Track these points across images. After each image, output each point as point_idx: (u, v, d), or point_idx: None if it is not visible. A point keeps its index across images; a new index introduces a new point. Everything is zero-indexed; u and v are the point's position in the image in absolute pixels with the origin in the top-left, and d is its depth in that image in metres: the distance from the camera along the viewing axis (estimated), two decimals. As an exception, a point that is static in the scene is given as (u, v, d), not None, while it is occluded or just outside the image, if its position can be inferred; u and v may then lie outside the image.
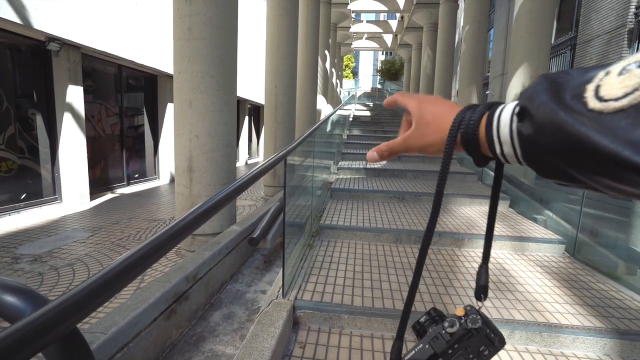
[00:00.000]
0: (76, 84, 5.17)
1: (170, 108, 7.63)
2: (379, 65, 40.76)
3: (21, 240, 3.70)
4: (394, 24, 20.45)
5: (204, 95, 3.11)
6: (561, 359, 1.59)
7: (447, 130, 0.35)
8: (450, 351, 0.39)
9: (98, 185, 6.08)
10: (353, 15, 18.40)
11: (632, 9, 5.61)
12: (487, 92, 11.70)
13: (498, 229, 2.83)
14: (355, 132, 8.42)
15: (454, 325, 0.40)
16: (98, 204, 5.52)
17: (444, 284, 2.05)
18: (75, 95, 5.17)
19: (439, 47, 11.66)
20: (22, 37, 4.52)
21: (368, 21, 21.22)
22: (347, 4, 15.32)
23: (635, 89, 0.21)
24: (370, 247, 2.63)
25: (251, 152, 13.04)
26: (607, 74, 0.23)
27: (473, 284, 2.06)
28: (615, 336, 1.62)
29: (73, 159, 5.23)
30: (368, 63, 59.52)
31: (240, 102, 11.04)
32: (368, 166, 4.97)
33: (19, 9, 4.07)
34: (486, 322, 0.40)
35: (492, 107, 0.32)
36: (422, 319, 0.43)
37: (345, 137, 7.41)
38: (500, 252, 2.61)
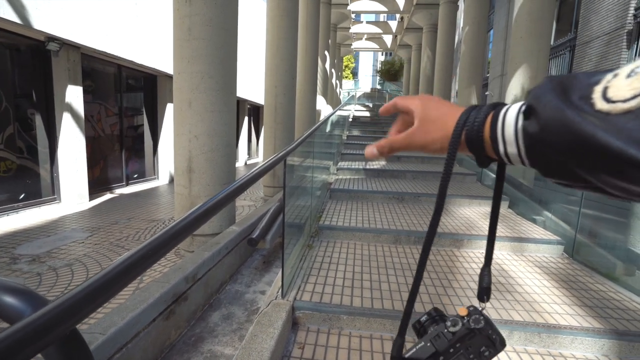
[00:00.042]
0: (76, 84, 5.17)
1: (169, 108, 7.63)
2: (379, 65, 40.79)
3: (20, 241, 3.69)
4: (393, 24, 20.48)
5: (203, 96, 3.11)
6: (560, 360, 1.59)
7: (450, 128, 0.35)
8: (451, 350, 0.39)
9: (97, 185, 6.07)
10: (353, 16, 18.41)
11: (631, 11, 5.63)
12: (486, 93, 11.72)
13: (497, 230, 2.83)
14: (355, 132, 8.43)
15: (456, 325, 0.40)
16: (97, 204, 5.51)
17: (443, 284, 2.05)
18: (74, 95, 5.17)
19: (439, 48, 11.67)
20: (22, 37, 4.52)
21: (368, 22, 21.23)
22: (347, 4, 15.34)
23: None
24: (370, 247, 2.63)
25: (250, 153, 13.03)
26: (615, 76, 0.23)
27: (472, 285, 2.07)
28: (614, 337, 1.63)
29: (72, 159, 5.22)
30: (368, 64, 59.60)
31: (240, 102, 11.04)
32: (367, 167, 4.97)
33: (19, 9, 4.07)
34: (488, 322, 0.40)
35: (497, 107, 0.32)
36: (423, 319, 0.44)
37: (345, 138, 7.42)
38: (499, 252, 2.61)
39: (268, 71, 5.93)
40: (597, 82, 0.24)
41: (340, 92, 24.91)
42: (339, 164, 5.12)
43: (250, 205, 5.67)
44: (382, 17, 32.49)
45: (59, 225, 4.32)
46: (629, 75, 0.22)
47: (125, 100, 6.80)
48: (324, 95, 12.76)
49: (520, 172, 4.11)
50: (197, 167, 3.17)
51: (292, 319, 1.75)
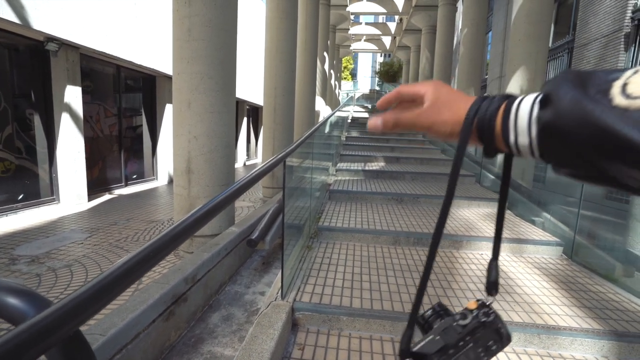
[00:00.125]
0: (74, 84, 5.16)
1: (168, 109, 7.62)
2: (378, 67, 40.88)
3: (19, 241, 3.68)
4: (392, 26, 20.53)
5: (203, 97, 3.11)
6: (559, 361, 1.60)
7: (462, 113, 0.35)
8: (461, 343, 0.38)
9: (96, 186, 6.06)
10: (352, 17, 18.46)
11: (629, 13, 5.66)
12: (484, 95, 11.75)
13: (496, 231, 2.84)
14: (354, 133, 8.44)
15: (466, 318, 0.39)
16: (96, 204, 5.49)
17: (442, 285, 2.06)
18: (73, 95, 5.16)
19: (437, 50, 11.71)
20: (21, 37, 4.51)
21: (367, 23, 21.29)
22: (346, 6, 15.37)
23: None
24: (369, 248, 2.63)
25: (250, 154, 13.03)
26: (636, 72, 0.24)
27: (472, 286, 2.07)
28: (613, 338, 1.63)
29: (71, 160, 5.21)
30: (366, 65, 59.73)
31: (239, 103, 11.03)
32: (366, 168, 4.98)
33: (18, 9, 4.06)
34: (497, 316, 0.40)
35: (510, 97, 0.33)
36: (427, 313, 0.43)
37: (344, 139, 7.43)
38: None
39: (267, 72, 5.94)
40: (615, 78, 0.25)
41: (339, 93, 24.94)
42: (338, 165, 5.13)
43: (249, 206, 5.67)
44: (381, 19, 32.57)
45: (57, 226, 4.30)
46: None
47: (124, 100, 6.79)
48: (323, 96, 12.77)
49: (519, 173, 4.13)
50: (196, 168, 3.17)
51: (291, 320, 1.75)
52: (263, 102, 6.12)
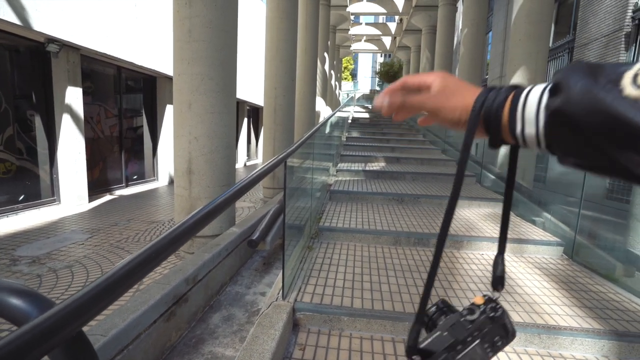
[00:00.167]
0: (75, 85, 5.17)
1: (169, 109, 7.63)
2: (378, 67, 40.88)
3: (19, 242, 3.69)
4: (392, 26, 20.53)
5: (203, 97, 3.12)
6: (560, 361, 1.60)
7: (470, 102, 0.35)
8: (469, 339, 0.38)
9: (97, 186, 6.07)
10: (352, 17, 18.47)
11: (629, 13, 5.66)
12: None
13: (496, 232, 2.83)
14: (354, 134, 8.44)
15: (473, 313, 0.39)
16: (97, 205, 5.50)
17: (443, 286, 2.06)
18: (74, 96, 5.17)
19: (438, 50, 11.71)
20: (22, 38, 4.52)
21: (367, 23, 21.30)
22: (346, 6, 15.38)
23: None
24: (370, 249, 2.64)
25: (250, 154, 13.03)
26: None
27: (472, 286, 2.07)
28: (614, 338, 1.63)
29: (72, 161, 5.22)
30: (367, 65, 59.73)
31: (240, 103, 11.05)
32: (367, 168, 4.98)
33: (19, 10, 4.07)
34: (504, 311, 0.40)
35: (518, 88, 0.33)
36: (431, 310, 0.43)
37: (344, 139, 7.43)
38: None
39: (267, 73, 5.95)
40: (626, 70, 0.25)
41: (339, 93, 24.95)
42: (339, 165, 5.13)
43: (250, 207, 5.67)
44: (381, 19, 32.57)
45: (58, 226, 4.31)
46: None
47: (124, 101, 6.80)
48: (323, 96, 12.78)
49: (519, 173, 4.12)
50: (197, 169, 3.18)
51: (292, 321, 1.75)
52: (263, 103, 6.12)
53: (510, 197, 0.40)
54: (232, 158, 3.45)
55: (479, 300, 0.40)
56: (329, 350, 1.59)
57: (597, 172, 0.28)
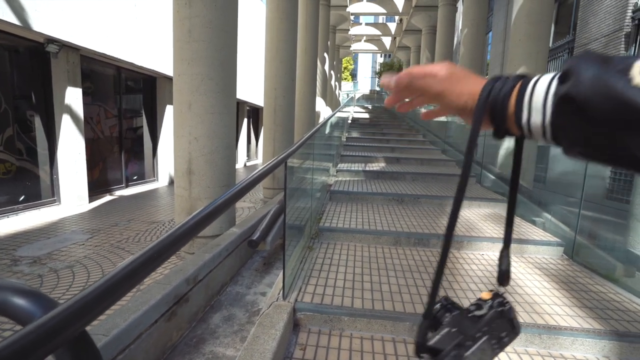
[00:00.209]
0: (75, 85, 5.17)
1: (168, 110, 7.63)
2: (378, 67, 40.90)
3: (20, 242, 3.69)
4: (392, 26, 20.55)
5: (203, 98, 3.12)
6: (560, 361, 1.60)
7: (477, 89, 0.35)
8: (478, 335, 0.37)
9: (97, 187, 6.07)
10: (352, 17, 18.48)
11: (629, 13, 5.66)
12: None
13: (496, 232, 2.85)
14: (354, 134, 8.44)
15: (481, 308, 0.38)
16: (97, 206, 5.50)
17: (444, 286, 2.06)
18: (74, 97, 5.17)
19: (438, 50, 11.72)
20: (21, 38, 4.53)
21: (367, 24, 21.32)
22: (346, 6, 15.39)
23: None
24: (370, 249, 2.64)
25: (250, 154, 13.04)
26: None
27: (473, 287, 2.07)
28: (614, 338, 1.63)
29: (72, 161, 5.22)
30: (367, 65, 59.75)
31: (239, 104, 11.05)
32: (367, 169, 4.98)
33: (18, 11, 4.07)
34: (512, 306, 0.39)
35: (525, 77, 0.33)
36: (435, 308, 0.42)
37: (344, 140, 7.43)
38: (498, 254, 2.62)
39: (267, 73, 5.95)
40: (634, 61, 0.25)
41: (339, 93, 24.96)
42: (339, 165, 5.13)
43: (250, 207, 5.68)
44: (381, 19, 32.59)
45: (59, 227, 4.31)
46: None
47: (124, 101, 6.80)
48: (323, 97, 12.79)
49: (520, 174, 4.12)
50: (197, 169, 3.18)
51: (293, 321, 1.75)
52: (263, 103, 6.13)
53: (516, 190, 0.40)
54: (232, 158, 3.46)
55: (486, 295, 0.39)
56: (330, 350, 1.59)
57: (603, 162, 0.28)
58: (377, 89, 35.53)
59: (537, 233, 2.86)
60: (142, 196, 6.43)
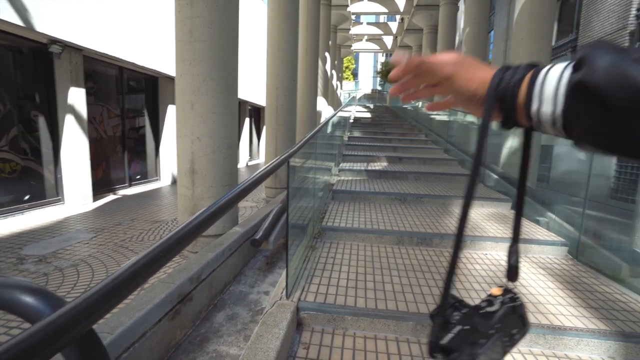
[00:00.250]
0: (78, 85, 5.20)
1: (170, 110, 7.66)
2: (379, 67, 40.83)
3: (25, 241, 3.71)
4: (394, 25, 20.51)
5: (205, 98, 3.12)
6: (565, 361, 1.59)
7: (488, 77, 0.34)
8: (491, 332, 0.36)
9: (100, 186, 6.09)
10: (353, 17, 18.46)
11: (633, 11, 5.62)
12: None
13: (499, 231, 2.83)
14: (356, 133, 8.43)
15: (492, 304, 0.37)
16: (100, 205, 5.53)
17: (447, 285, 2.05)
18: (77, 97, 5.20)
19: (439, 49, 11.68)
20: (24, 39, 4.55)
21: (368, 23, 21.29)
22: (347, 6, 15.38)
23: None
24: (373, 248, 2.63)
25: (252, 154, 13.05)
26: None
27: (476, 286, 2.06)
28: (620, 339, 1.62)
29: (75, 161, 5.24)
30: (368, 65, 59.67)
31: (241, 103, 11.07)
32: (369, 168, 4.97)
33: (21, 12, 4.09)
34: (522, 302, 0.38)
35: (536, 66, 0.32)
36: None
37: (346, 139, 7.42)
38: (502, 254, 2.61)
39: (269, 72, 5.95)
40: None
41: (340, 93, 24.94)
42: (341, 165, 5.13)
43: (252, 207, 5.68)
44: (382, 19, 32.54)
45: (63, 226, 4.34)
46: None
47: (127, 101, 6.82)
48: (325, 96, 12.79)
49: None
50: (199, 169, 3.18)
51: (296, 320, 1.75)
52: (265, 103, 6.13)
53: (525, 184, 0.39)
54: (234, 158, 3.46)
55: (496, 291, 0.39)
56: (333, 349, 1.59)
57: (615, 152, 0.27)
58: (379, 88, 35.47)
59: (541, 233, 2.85)
60: (145, 195, 6.45)
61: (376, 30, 21.08)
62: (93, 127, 5.94)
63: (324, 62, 12.22)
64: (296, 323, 1.75)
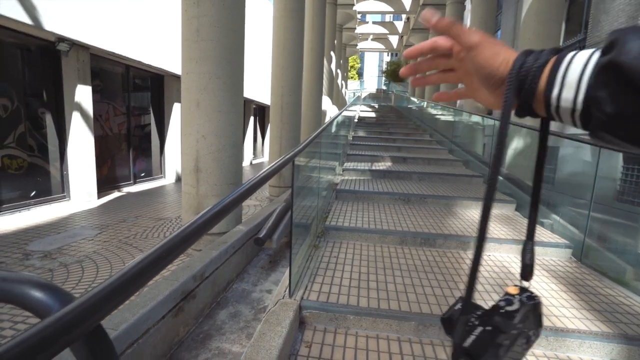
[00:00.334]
0: (85, 83, 5.25)
1: (176, 108, 7.70)
2: (384, 66, 40.67)
3: (31, 237, 3.76)
4: (399, 25, 20.43)
5: (211, 96, 3.14)
6: (567, 364, 1.59)
7: (511, 61, 0.33)
8: (514, 331, 0.34)
9: (105, 183, 6.15)
10: (359, 16, 18.41)
11: (642, 11, 5.55)
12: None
13: (503, 233, 2.82)
14: (361, 133, 8.42)
15: (512, 304, 0.36)
16: (105, 202, 5.58)
17: (450, 286, 2.05)
18: (83, 94, 5.25)
19: (445, 49, 11.61)
20: (33, 37, 4.60)
21: (374, 22, 21.22)
22: (353, 5, 15.34)
23: None
24: (376, 248, 2.64)
25: (256, 152, 13.08)
26: None
27: (479, 287, 2.06)
28: (623, 341, 1.61)
29: (81, 158, 5.30)
30: (373, 64, 59.46)
31: (246, 102, 11.09)
32: (373, 168, 4.97)
33: (30, 10, 4.14)
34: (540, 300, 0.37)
35: (561, 51, 0.31)
36: (455, 309, 0.39)
37: (351, 139, 7.42)
38: (506, 255, 2.60)
39: (274, 71, 5.96)
40: None
41: (345, 92, 24.91)
42: (345, 164, 5.13)
43: (256, 205, 5.70)
44: (387, 18, 32.39)
45: (68, 222, 4.39)
46: None
47: (132, 99, 6.88)
48: (330, 95, 12.78)
49: (527, 174, 4.08)
50: (204, 167, 3.20)
51: (299, 318, 1.76)
52: (270, 101, 6.14)
53: (541, 178, 0.38)
54: (239, 156, 3.48)
55: (513, 290, 0.37)
56: (335, 348, 1.60)
57: (637, 144, 0.26)
58: (384, 87, 35.32)
59: (544, 234, 2.83)
60: (150, 193, 6.51)
61: (382, 30, 21.01)
62: (99, 125, 5.99)
63: (329, 61, 12.21)
64: (299, 322, 1.76)
